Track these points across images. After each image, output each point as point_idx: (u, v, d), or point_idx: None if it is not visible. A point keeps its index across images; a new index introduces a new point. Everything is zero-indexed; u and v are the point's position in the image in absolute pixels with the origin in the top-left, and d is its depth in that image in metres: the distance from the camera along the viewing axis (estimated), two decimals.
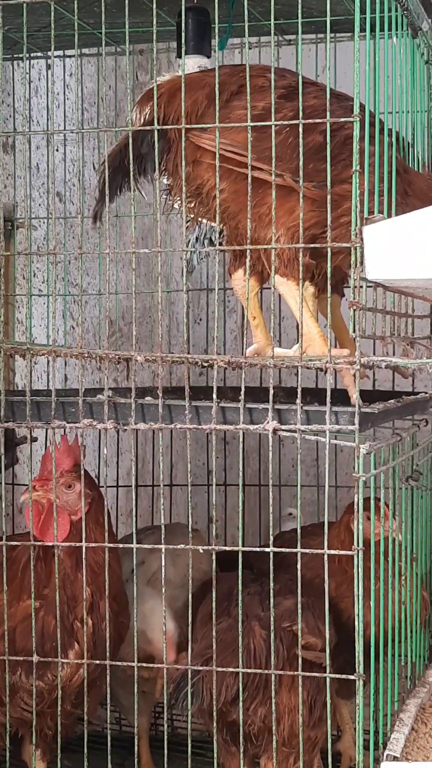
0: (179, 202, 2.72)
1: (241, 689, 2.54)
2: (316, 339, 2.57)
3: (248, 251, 2.44)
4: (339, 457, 3.59)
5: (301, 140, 2.33)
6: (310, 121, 2.36)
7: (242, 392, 2.38)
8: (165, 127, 2.55)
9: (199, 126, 2.54)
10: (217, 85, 2.41)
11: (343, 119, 2.31)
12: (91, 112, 4.22)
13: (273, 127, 2.37)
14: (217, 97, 2.41)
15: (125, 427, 2.43)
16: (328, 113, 2.31)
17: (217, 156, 2.45)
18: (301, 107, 2.40)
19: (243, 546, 2.40)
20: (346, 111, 2.34)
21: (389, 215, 2.45)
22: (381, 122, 2.55)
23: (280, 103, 2.51)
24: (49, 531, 2.63)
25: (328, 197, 2.32)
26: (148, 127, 2.55)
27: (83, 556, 2.52)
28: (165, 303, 4.26)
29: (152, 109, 2.63)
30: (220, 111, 2.43)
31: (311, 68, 2.97)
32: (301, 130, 2.34)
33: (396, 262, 2.22)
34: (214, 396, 2.38)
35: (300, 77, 2.48)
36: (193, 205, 2.70)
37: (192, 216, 2.73)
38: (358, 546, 2.31)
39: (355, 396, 2.33)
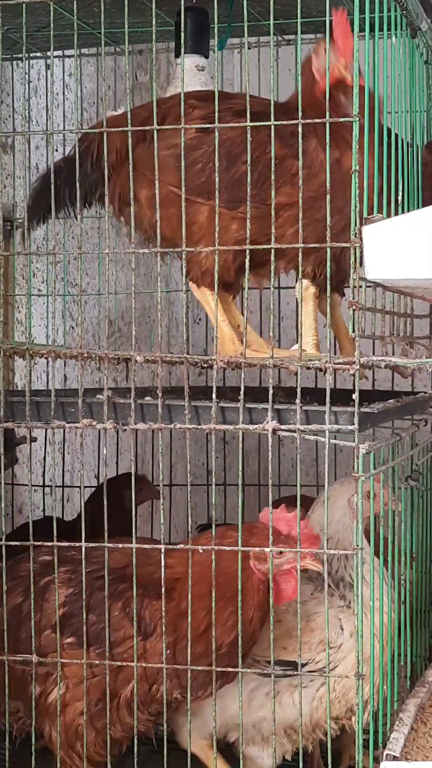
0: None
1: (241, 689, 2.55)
2: (226, 342, 2.66)
3: (216, 261, 2.45)
4: (338, 457, 3.59)
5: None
6: (310, 121, 2.36)
7: (242, 392, 2.38)
8: (141, 128, 2.51)
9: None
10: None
11: (342, 120, 2.32)
12: (91, 112, 4.22)
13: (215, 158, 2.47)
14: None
15: (125, 427, 2.43)
16: (327, 113, 2.31)
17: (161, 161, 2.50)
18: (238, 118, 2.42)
19: (242, 546, 2.41)
20: (266, 132, 2.39)
21: (388, 215, 2.45)
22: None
23: (198, 138, 2.58)
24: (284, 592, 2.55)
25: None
26: (116, 129, 2.53)
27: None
28: (164, 303, 4.26)
29: (83, 144, 2.73)
30: (145, 152, 2.52)
31: None
32: (300, 129, 2.34)
33: (395, 262, 2.22)
34: (214, 396, 2.38)
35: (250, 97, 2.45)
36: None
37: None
38: (358, 546, 2.32)
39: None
